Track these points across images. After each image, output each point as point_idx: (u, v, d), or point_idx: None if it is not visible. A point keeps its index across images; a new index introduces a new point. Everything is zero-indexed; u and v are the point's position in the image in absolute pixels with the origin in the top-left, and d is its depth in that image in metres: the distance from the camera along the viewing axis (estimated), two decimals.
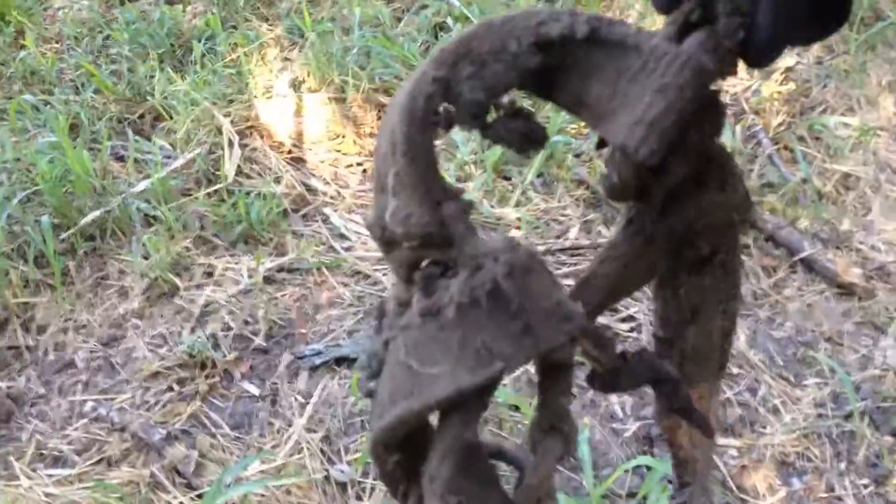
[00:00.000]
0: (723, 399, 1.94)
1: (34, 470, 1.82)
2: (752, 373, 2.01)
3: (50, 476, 1.81)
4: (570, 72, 0.52)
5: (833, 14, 0.49)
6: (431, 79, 0.50)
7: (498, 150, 2.48)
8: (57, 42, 3.15)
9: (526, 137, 0.54)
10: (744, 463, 1.83)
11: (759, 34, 0.48)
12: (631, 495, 1.72)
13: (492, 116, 0.53)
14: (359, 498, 1.79)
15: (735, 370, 2.01)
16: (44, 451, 1.86)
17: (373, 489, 1.79)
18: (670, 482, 1.70)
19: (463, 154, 2.53)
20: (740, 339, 2.08)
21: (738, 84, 2.79)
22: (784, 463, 1.83)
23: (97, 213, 2.33)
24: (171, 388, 1.98)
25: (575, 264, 2.27)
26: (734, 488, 1.78)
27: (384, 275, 2.25)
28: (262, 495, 1.76)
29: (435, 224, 0.50)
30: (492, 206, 2.41)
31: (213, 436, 1.89)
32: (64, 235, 2.31)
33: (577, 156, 2.62)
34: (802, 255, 2.23)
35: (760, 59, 0.51)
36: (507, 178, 2.54)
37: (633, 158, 0.49)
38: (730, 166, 0.60)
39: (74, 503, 1.74)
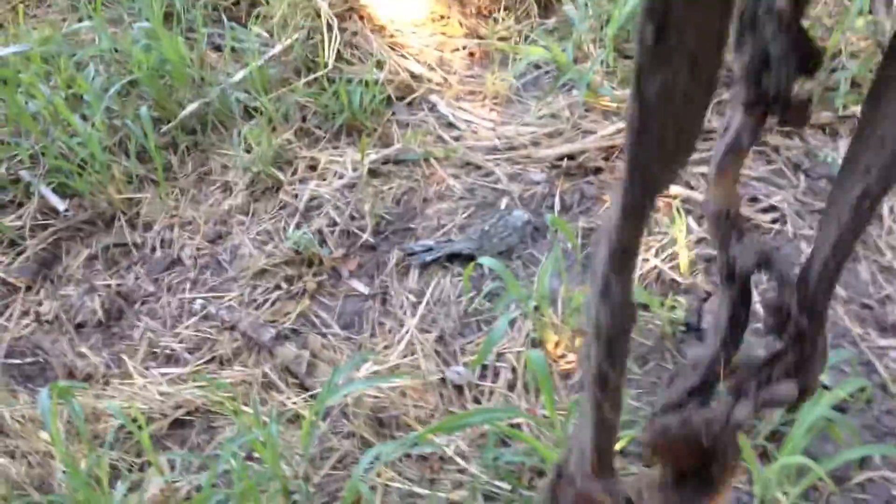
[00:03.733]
0: (882, 295, 1.73)
1: (147, 368, 1.79)
2: None
3: (163, 374, 1.78)
4: None
5: None
6: None
7: (617, 24, 2.24)
8: None
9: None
10: None
11: None
12: None
13: None
14: (476, 401, 1.68)
15: (895, 264, 1.78)
16: (156, 350, 1.83)
17: (491, 392, 1.68)
18: (825, 387, 1.53)
19: (580, 31, 2.30)
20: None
21: None
22: None
23: (196, 104, 2.23)
24: (278, 287, 1.90)
25: (707, 150, 2.04)
26: None
27: (496, 165, 2.09)
28: (377, 396, 1.68)
29: None
30: (613, 88, 2.19)
31: (324, 335, 1.81)
32: (164, 129, 2.23)
33: None
34: None
35: None
36: (629, 57, 2.30)
37: None
38: None
39: (189, 402, 1.70)
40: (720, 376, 0.68)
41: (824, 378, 1.46)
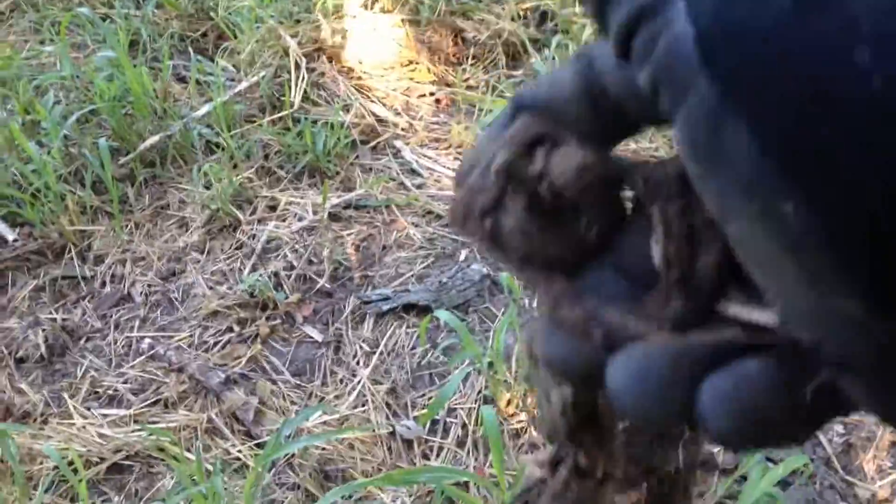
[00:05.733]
0: None
1: (88, 408, 1.74)
2: None
3: (104, 416, 1.73)
4: None
5: None
6: None
7: None
8: None
9: None
10: (850, 441, 1.65)
11: None
12: (726, 472, 1.56)
13: None
14: (426, 457, 1.67)
15: None
16: (98, 390, 1.78)
17: (441, 448, 1.66)
18: (770, 461, 1.54)
19: None
20: None
21: None
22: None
23: (157, 137, 2.20)
24: (230, 329, 1.87)
25: None
26: (839, 469, 1.60)
27: None
28: (324, 448, 1.65)
29: None
30: None
31: (274, 382, 1.78)
32: (123, 160, 2.19)
33: None
34: None
35: None
36: None
37: None
38: None
39: (129, 446, 1.66)
40: None
41: (769, 453, 1.47)
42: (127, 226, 2.09)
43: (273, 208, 2.12)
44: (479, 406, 1.69)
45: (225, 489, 1.53)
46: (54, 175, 2.04)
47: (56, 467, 1.57)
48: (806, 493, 1.52)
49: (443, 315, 1.73)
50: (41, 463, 1.62)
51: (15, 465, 1.49)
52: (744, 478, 1.49)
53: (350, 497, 1.56)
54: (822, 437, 1.64)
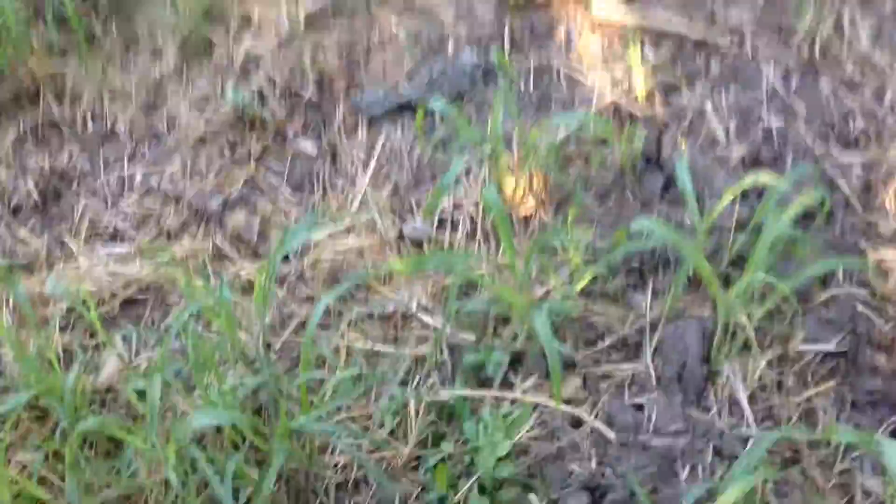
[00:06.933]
0: (845, 111, 1.67)
1: (91, 249, 1.72)
2: (877, 77, 1.71)
3: (109, 254, 1.70)
4: None
5: None
6: None
7: None
8: None
9: None
10: (869, 178, 1.59)
11: None
12: (741, 226, 1.51)
13: None
14: None
15: (857, 77, 1.72)
16: (99, 229, 1.75)
17: (451, 245, 1.63)
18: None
19: None
20: (861, 39, 1.76)
21: None
22: None
23: None
24: (222, 154, 1.81)
25: None
26: (858, 208, 1.55)
27: (440, 4, 1.96)
28: (333, 259, 1.63)
29: None
30: None
31: (274, 200, 1.74)
32: None
33: None
34: None
35: None
36: None
37: None
38: None
39: (139, 280, 1.64)
40: None
41: (785, 184, 1.41)
42: (98, 61, 1.99)
43: (247, 21, 2.00)
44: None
45: (239, 307, 1.52)
46: (14, 14, 1.92)
47: (70, 309, 1.57)
48: (826, 234, 1.48)
49: (437, 105, 1.64)
50: (54, 306, 1.61)
51: (27, 306, 1.47)
52: (759, 226, 1.45)
53: (367, 301, 1.54)
54: (839, 179, 1.58)
